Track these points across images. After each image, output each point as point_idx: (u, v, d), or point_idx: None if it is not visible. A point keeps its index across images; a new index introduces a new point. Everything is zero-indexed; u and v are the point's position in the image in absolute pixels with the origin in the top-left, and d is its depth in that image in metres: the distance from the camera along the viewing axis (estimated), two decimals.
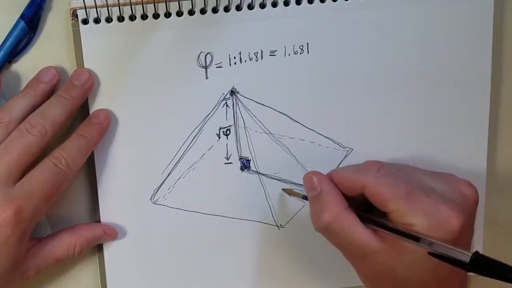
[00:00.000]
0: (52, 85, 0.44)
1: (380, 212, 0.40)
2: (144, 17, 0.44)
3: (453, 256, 0.36)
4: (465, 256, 0.36)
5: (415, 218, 0.38)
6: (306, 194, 0.44)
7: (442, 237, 0.37)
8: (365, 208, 0.41)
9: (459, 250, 0.36)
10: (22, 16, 0.44)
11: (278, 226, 0.50)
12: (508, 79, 0.50)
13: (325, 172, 0.44)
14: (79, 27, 0.44)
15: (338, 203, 0.41)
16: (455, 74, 0.48)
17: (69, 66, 0.45)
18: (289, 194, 0.48)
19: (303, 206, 0.49)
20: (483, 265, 0.36)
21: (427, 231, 0.37)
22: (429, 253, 0.37)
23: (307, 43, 0.47)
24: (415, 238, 0.38)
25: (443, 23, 0.47)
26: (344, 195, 0.42)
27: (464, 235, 0.38)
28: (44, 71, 0.44)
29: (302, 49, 0.47)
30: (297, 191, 0.47)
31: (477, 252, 0.36)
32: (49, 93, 0.44)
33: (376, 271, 0.40)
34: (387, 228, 0.39)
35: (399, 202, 0.39)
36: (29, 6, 0.44)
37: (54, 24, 0.45)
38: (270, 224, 0.50)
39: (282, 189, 0.49)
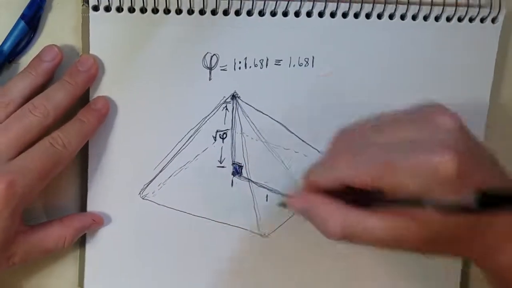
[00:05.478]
0: (55, 64, 0.43)
1: None
2: (154, 11, 0.44)
3: (458, 203, 0.32)
4: (470, 198, 0.31)
5: (407, 186, 0.35)
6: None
7: (444, 186, 0.34)
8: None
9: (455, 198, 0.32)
10: (22, 16, 0.43)
11: (261, 235, 0.50)
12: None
13: None
14: (89, 13, 0.43)
15: (332, 208, 0.38)
16: (457, 96, 0.49)
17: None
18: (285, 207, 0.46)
19: (289, 218, 0.49)
20: (492, 200, 0.31)
21: (425, 190, 0.34)
22: (437, 210, 0.33)
23: (313, 57, 0.47)
24: (417, 202, 0.34)
25: (447, 45, 0.48)
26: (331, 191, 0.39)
27: (468, 165, 0.35)
28: (46, 49, 0.43)
29: (307, 62, 0.47)
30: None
31: (480, 189, 0.31)
32: (51, 72, 0.43)
33: (413, 247, 0.37)
34: (389, 203, 0.36)
35: (383, 179, 0.36)
36: (29, 6, 0.44)
37: (55, 24, 0.44)
38: (254, 232, 0.50)
39: (277, 204, 0.47)
